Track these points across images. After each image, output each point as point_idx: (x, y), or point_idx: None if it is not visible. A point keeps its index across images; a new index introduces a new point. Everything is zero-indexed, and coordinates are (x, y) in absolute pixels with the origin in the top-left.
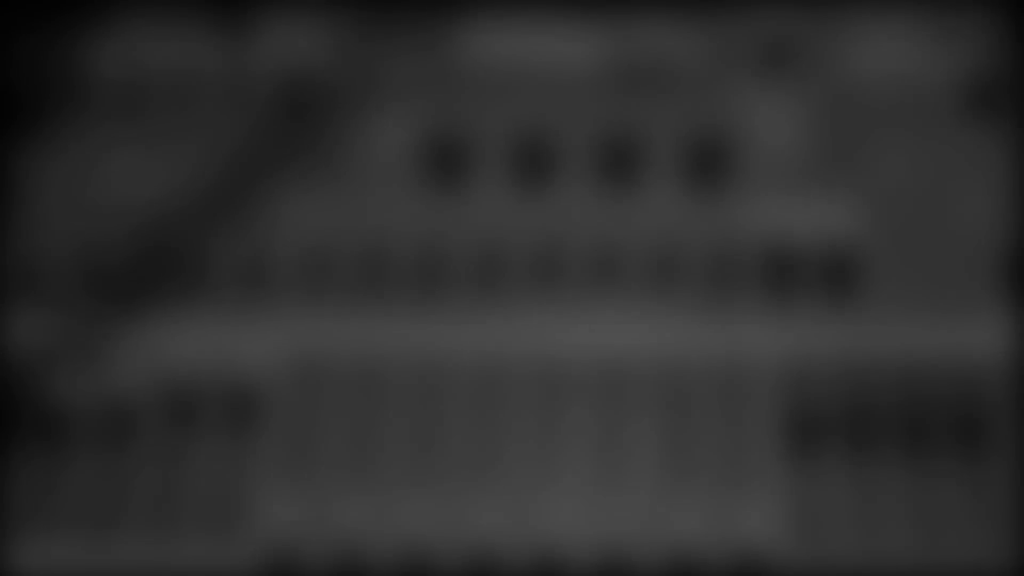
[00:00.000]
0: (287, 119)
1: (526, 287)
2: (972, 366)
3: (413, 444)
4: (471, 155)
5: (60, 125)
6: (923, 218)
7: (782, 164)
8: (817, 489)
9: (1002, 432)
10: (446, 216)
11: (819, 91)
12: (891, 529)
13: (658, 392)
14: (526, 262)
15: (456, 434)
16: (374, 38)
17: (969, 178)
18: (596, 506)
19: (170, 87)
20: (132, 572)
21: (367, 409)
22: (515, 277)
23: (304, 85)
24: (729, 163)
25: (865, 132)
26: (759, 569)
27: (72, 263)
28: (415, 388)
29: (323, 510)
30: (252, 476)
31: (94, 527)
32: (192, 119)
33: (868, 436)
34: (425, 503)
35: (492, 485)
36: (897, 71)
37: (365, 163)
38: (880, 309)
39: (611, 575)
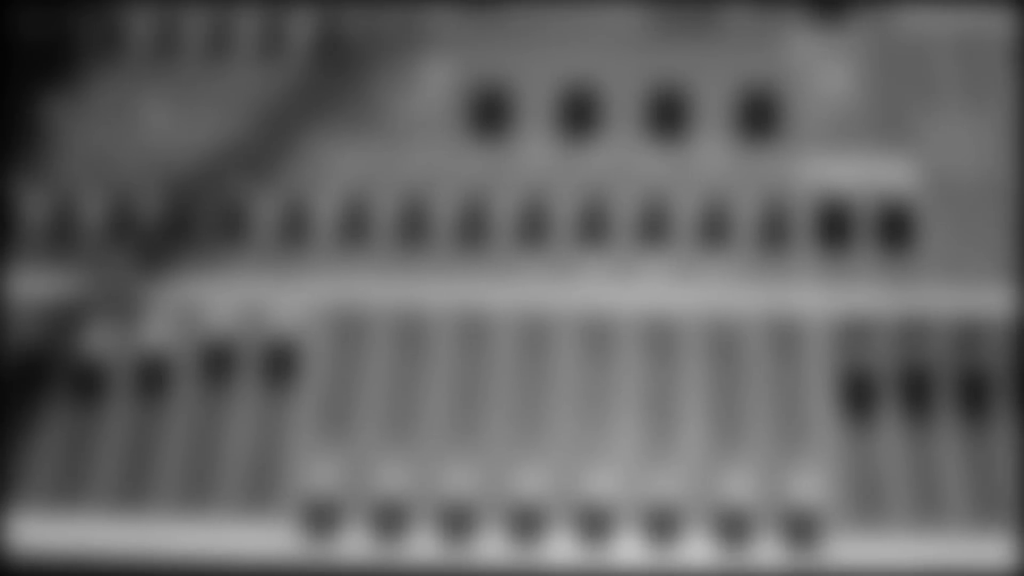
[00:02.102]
0: (326, 67)
1: (572, 240)
2: None
3: (455, 402)
4: (516, 105)
5: (92, 75)
6: (980, 173)
7: (836, 117)
8: (872, 450)
9: None
10: (489, 167)
11: (875, 43)
12: (948, 492)
13: (709, 350)
14: (572, 215)
15: (499, 393)
16: None
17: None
18: (644, 467)
19: (205, 33)
20: (165, 529)
21: (407, 366)
22: (560, 230)
23: (343, 32)
24: (782, 115)
25: (921, 85)
26: (811, 533)
27: (105, 214)
28: (456, 344)
29: (361, 471)
30: (289, 434)
31: (126, 483)
32: (228, 67)
33: (924, 396)
34: (467, 464)
35: (537, 446)
36: (955, 23)
37: (406, 113)
38: (936, 265)
39: (658, 539)
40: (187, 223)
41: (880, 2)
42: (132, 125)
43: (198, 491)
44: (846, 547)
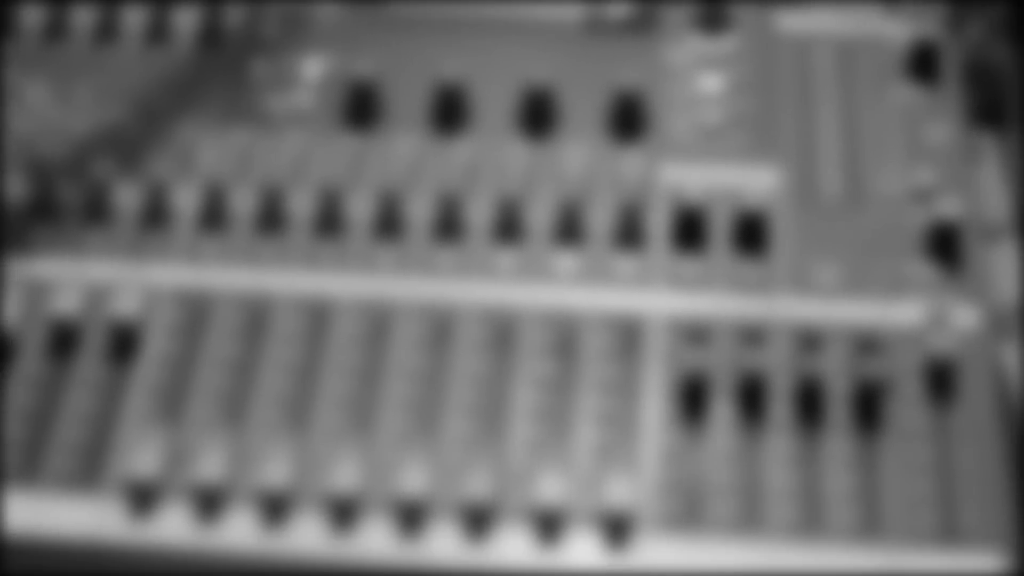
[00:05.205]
0: (207, 58)
1: (425, 235)
2: (884, 336)
3: (289, 391)
4: (388, 101)
5: None
6: (846, 184)
7: (706, 122)
8: (700, 455)
9: (906, 409)
10: (354, 161)
11: (755, 47)
12: (773, 501)
13: (549, 347)
14: (428, 210)
15: (335, 384)
16: None
17: (897, 147)
18: (463, 464)
19: (92, 21)
20: None
21: (247, 354)
22: (415, 224)
23: (225, 24)
24: (650, 119)
25: (798, 91)
26: (625, 535)
27: None
28: (299, 334)
29: (185, 455)
30: (121, 416)
31: None
32: (112, 55)
33: (759, 402)
34: (288, 453)
35: (361, 437)
36: (828, 32)
37: (280, 106)
38: (784, 274)
39: (472, 537)
40: (50, 205)
41: (764, 3)
42: (12, 108)
43: (31, 466)
44: (661, 551)
